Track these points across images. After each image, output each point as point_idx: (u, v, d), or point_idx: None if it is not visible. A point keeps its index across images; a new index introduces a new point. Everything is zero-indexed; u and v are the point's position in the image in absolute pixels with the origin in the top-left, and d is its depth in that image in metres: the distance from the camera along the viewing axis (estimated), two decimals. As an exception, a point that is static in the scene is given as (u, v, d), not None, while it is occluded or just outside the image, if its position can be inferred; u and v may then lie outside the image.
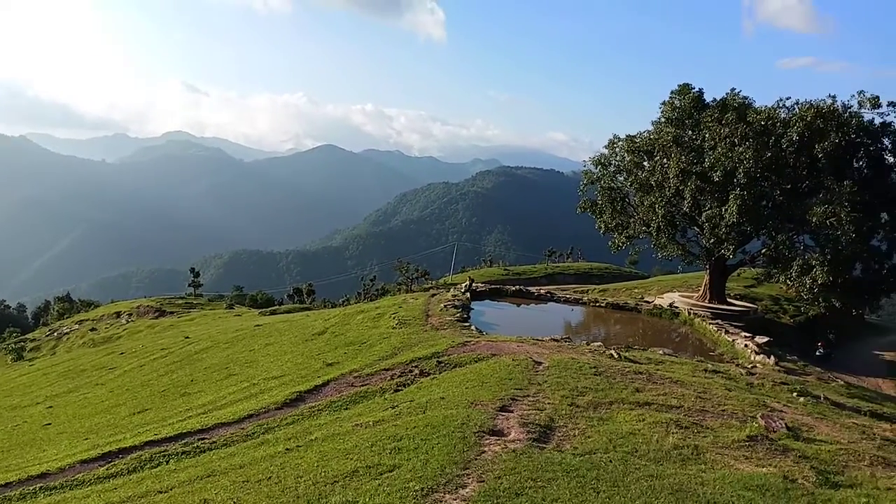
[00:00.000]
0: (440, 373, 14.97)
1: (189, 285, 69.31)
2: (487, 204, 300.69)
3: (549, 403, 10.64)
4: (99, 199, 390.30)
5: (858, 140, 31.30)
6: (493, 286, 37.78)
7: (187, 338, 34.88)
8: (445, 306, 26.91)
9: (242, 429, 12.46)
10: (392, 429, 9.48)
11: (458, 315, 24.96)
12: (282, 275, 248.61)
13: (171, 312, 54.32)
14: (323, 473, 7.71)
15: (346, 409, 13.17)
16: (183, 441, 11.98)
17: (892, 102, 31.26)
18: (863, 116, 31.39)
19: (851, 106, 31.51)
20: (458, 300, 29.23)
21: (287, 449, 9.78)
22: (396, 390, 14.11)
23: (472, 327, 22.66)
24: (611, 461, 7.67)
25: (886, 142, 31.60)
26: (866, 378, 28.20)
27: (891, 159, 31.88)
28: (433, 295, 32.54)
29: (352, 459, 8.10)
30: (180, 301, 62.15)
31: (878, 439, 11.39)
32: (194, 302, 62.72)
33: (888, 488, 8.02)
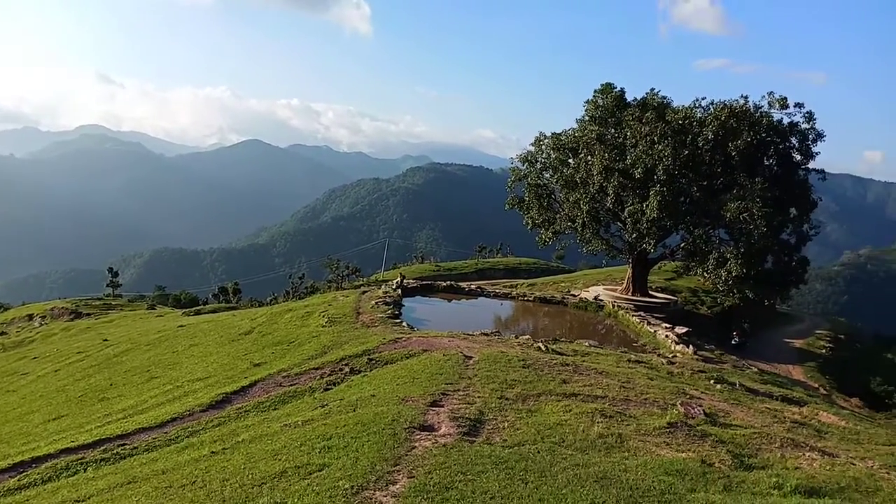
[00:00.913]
0: (371, 370, 14.90)
1: (107, 286, 66.39)
2: (418, 200, 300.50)
3: (479, 397, 10.76)
4: (7, 195, 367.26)
5: (769, 139, 33.01)
6: (424, 282, 37.88)
7: (106, 340, 33.36)
8: (377, 303, 26.77)
9: (165, 433, 12.03)
10: (321, 428, 9.36)
11: (389, 312, 24.88)
12: (206, 274, 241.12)
13: (88, 314, 51.85)
14: (250, 475, 7.53)
15: (275, 409, 12.93)
16: (101, 448, 11.45)
17: (799, 104, 33.15)
18: (773, 116, 33.14)
19: (762, 106, 33.23)
20: (390, 297, 29.13)
21: (212, 452, 9.50)
22: (326, 389, 13.95)
23: (404, 324, 22.64)
24: (539, 452, 7.83)
25: (794, 141, 33.44)
26: (778, 365, 29.81)
27: (798, 157, 33.78)
28: (364, 292, 32.31)
29: (280, 460, 7.95)
30: (98, 302, 59.48)
31: (787, 422, 12.08)
32: (113, 303, 60.17)
33: (796, 468, 8.51)
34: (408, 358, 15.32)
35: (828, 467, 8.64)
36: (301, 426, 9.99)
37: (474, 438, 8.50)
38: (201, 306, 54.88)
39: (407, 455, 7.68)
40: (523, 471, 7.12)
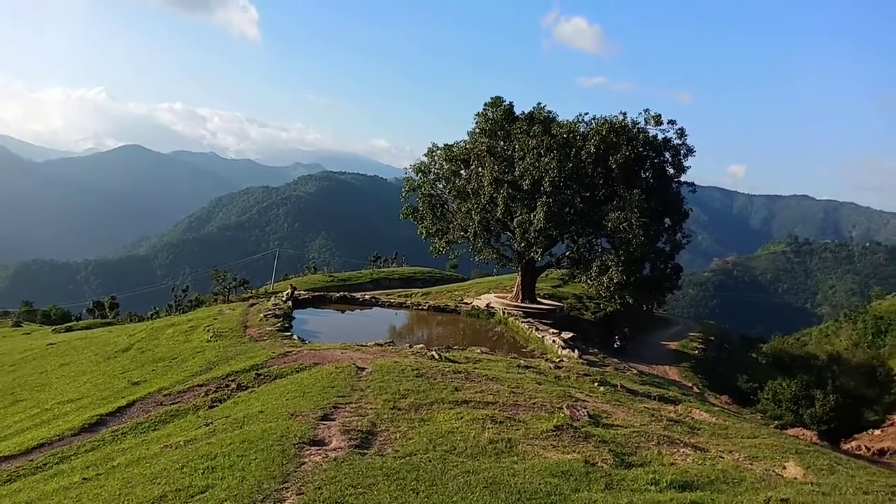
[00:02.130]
0: (259, 385, 14.42)
1: (-37, 302, 60.39)
2: (310, 209, 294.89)
3: (371, 409, 10.67)
4: None
5: (645, 153, 35.17)
6: (316, 293, 37.18)
7: (-41, 363, 30.29)
8: (266, 316, 26.00)
9: (31, 461, 11.07)
10: (205, 447, 8.95)
11: (279, 324, 24.21)
12: (80, 287, 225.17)
13: (-61, 334, 46.89)
14: (126, 502, 7.08)
15: (155, 430, 12.23)
16: (-48, 483, 10.36)
17: (672, 121, 35.62)
18: (648, 132, 35.36)
19: (639, 122, 35.40)
20: (280, 309, 28.36)
21: (84, 479, 8.85)
22: (211, 406, 13.36)
23: (294, 336, 22.09)
24: (430, 461, 7.87)
25: (668, 155, 35.83)
26: (656, 366, 31.64)
27: (671, 171, 36.21)
28: (252, 304, 31.29)
29: (159, 484, 7.53)
30: (-48, 321, 53.99)
31: (664, 421, 12.80)
32: (-31, 321, 54.81)
33: (671, 463, 9.03)
34: (298, 372, 14.97)
35: (699, 461, 9.23)
36: (183, 446, 9.51)
37: (366, 451, 8.42)
38: (74, 322, 51.26)
39: (296, 471, 7.49)
40: (414, 480, 7.14)
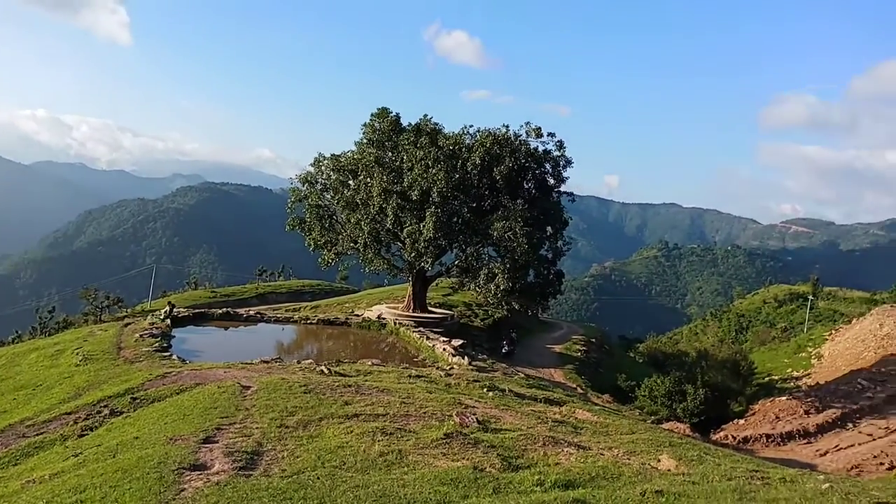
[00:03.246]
0: (135, 410, 13.59)
1: None
2: (191, 222, 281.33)
3: (257, 428, 10.33)
4: None
5: (527, 164, 36.44)
6: (197, 310, 35.53)
7: None
8: (142, 336, 24.58)
9: None
10: (74, 480, 8.31)
11: (156, 345, 22.96)
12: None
13: None
14: (-20, 549, 6.45)
15: (16, 464, 11.24)
16: None
17: (551, 133, 37.14)
18: (530, 144, 36.66)
19: (521, 135, 36.62)
20: (157, 328, 26.91)
21: (-71, 527, 7.98)
22: (81, 435, 12.46)
23: (174, 357, 21.04)
24: (318, 478, 7.73)
25: (548, 166, 37.32)
26: (542, 369, 32.72)
27: (552, 181, 37.72)
28: (127, 324, 29.47)
29: (20, 525, 6.92)
30: None
31: (549, 422, 13.27)
32: None
33: (556, 463, 9.38)
34: (178, 394, 14.24)
35: (582, 460, 9.65)
36: (48, 480, 8.78)
37: (251, 472, 8.14)
38: (-84, 352, 45.84)
39: (175, 499, 7.11)
40: (302, 499, 6.98)
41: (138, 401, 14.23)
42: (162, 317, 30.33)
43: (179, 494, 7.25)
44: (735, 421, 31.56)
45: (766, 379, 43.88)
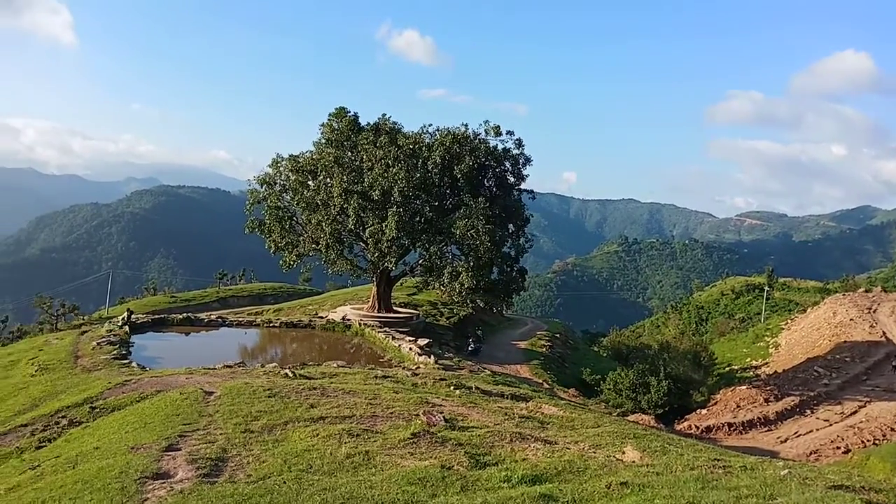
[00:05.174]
0: (94, 420, 13.27)
1: None
2: (147, 226, 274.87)
3: (221, 434, 10.17)
4: None
5: (487, 163, 36.60)
6: (156, 316, 34.80)
7: None
8: (99, 344, 24.01)
9: None
10: (32, 493, 8.06)
11: (115, 352, 22.48)
12: None
13: None
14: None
15: (-32, 481, 10.82)
16: None
17: (510, 131, 37.35)
18: (489, 143, 36.84)
19: (480, 133, 36.75)
20: (115, 335, 26.33)
21: None
22: (39, 447, 12.14)
23: (133, 364, 20.62)
24: (285, 482, 7.64)
25: (508, 164, 37.53)
26: (508, 365, 32.87)
27: (512, 179, 37.96)
28: (84, 332, 28.75)
29: (-27, 544, 6.67)
30: None
31: (516, 418, 13.35)
32: None
33: (523, 459, 9.45)
34: (139, 401, 13.93)
35: (549, 455, 9.73)
36: (5, 495, 8.51)
37: (216, 479, 8.01)
38: None
39: (138, 510, 6.97)
40: (269, 504, 6.90)
41: (97, 410, 13.89)
42: (120, 324, 29.64)
43: (142, 504, 7.09)
44: (698, 411, 32.21)
45: (727, 369, 44.88)
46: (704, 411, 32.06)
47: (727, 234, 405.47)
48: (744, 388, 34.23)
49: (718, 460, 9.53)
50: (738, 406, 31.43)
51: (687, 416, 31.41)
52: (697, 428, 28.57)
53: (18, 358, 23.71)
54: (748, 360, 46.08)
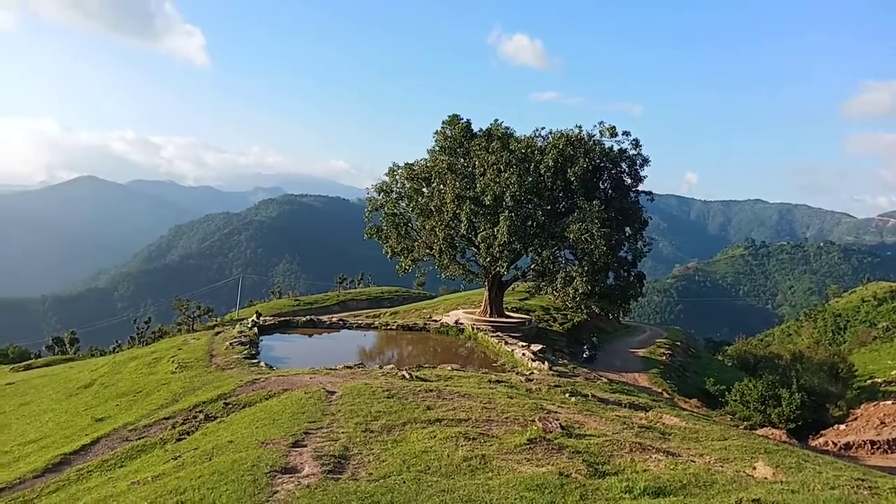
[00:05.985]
0: (228, 415, 14.17)
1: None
2: (273, 233, 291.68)
3: (343, 433, 10.55)
4: None
5: (602, 164, 35.74)
6: (282, 318, 36.74)
7: None
8: (231, 344, 25.61)
9: (-11, 509, 10.68)
10: (174, 482, 8.74)
11: (245, 352, 23.88)
12: (38, 324, 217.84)
13: None
14: (93, 545, 6.86)
15: (121, 466, 11.92)
16: None
17: (626, 132, 36.30)
18: (604, 144, 35.96)
19: (594, 135, 35.96)
20: (246, 336, 27.97)
21: (48, 524, 8.56)
22: (179, 439, 13.09)
23: (262, 363, 21.80)
24: (404, 482, 7.81)
25: (624, 166, 36.46)
26: (625, 373, 31.91)
27: (629, 180, 36.83)
28: (217, 333, 30.82)
29: (127, 524, 7.32)
30: None
31: (635, 427, 12.92)
32: (-81, 365, 52.54)
33: (644, 470, 9.12)
34: (267, 399, 14.74)
35: (671, 467, 9.33)
36: (151, 482, 9.27)
37: (339, 475, 8.32)
38: (33, 360, 49.76)
39: (269, 501, 7.36)
40: (389, 503, 7.08)
41: (230, 406, 14.83)
42: (249, 325, 31.51)
43: (273, 496, 7.49)
44: (835, 427, 29.77)
45: (869, 382, 41.25)
46: (843, 427, 29.57)
47: (867, 236, 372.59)
48: (889, 402, 31.26)
49: (863, 480, 8.74)
50: (882, 423, 28.71)
51: (823, 432, 29.10)
52: (835, 445, 26.40)
53: (161, 356, 25.75)
54: (893, 372, 42.11)
